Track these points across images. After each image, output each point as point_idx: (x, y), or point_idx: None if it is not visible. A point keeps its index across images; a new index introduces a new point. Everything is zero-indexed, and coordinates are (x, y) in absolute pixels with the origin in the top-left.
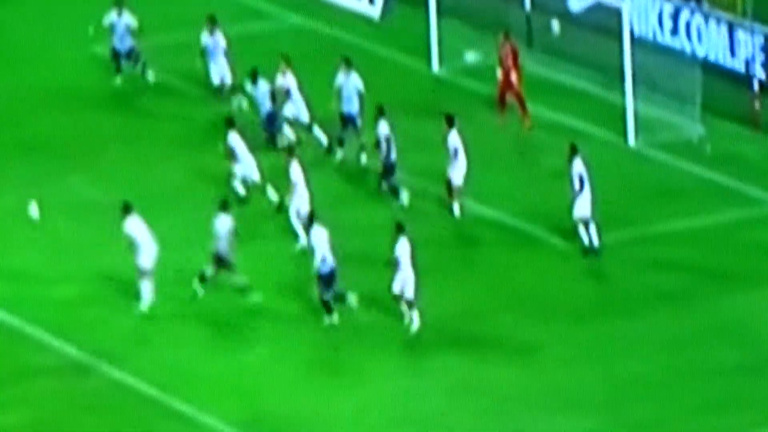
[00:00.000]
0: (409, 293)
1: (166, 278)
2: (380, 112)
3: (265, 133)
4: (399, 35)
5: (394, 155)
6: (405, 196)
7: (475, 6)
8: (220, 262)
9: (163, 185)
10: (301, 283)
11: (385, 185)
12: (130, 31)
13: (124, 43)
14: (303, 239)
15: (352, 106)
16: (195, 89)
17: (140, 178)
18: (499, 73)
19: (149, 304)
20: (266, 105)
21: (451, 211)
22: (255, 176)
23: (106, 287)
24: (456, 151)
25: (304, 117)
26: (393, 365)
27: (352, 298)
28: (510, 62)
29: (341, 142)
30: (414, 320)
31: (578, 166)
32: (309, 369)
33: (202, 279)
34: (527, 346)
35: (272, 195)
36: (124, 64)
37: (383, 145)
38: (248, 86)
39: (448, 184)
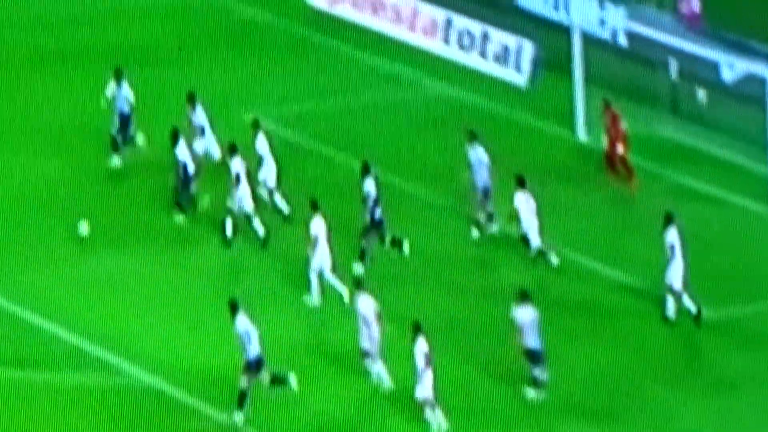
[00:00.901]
0: (428, 393)
1: (316, 347)
2: (366, 170)
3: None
4: (545, 102)
5: (378, 214)
6: (360, 268)
7: (620, 74)
8: (533, 356)
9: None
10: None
11: (364, 242)
12: (128, 102)
13: (125, 112)
14: (315, 297)
15: (480, 177)
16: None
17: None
18: (605, 141)
19: (389, 385)
20: (188, 166)
21: (542, 256)
22: (248, 207)
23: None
24: (518, 211)
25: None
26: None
27: (293, 380)
28: (613, 132)
29: (491, 217)
30: (441, 424)
31: (671, 236)
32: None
33: (535, 383)
34: (663, 416)
35: (259, 228)
36: (121, 142)
37: (369, 203)
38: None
39: (525, 241)
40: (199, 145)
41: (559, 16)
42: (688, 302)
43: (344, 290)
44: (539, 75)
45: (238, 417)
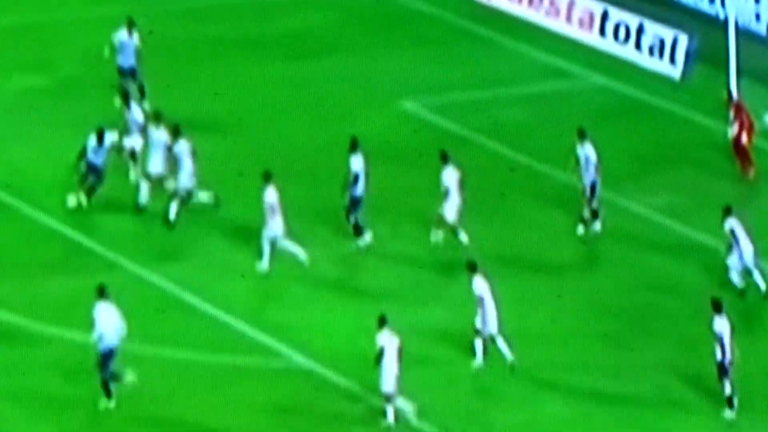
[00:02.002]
0: (389, 388)
1: (467, 331)
2: (353, 147)
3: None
4: (699, 96)
5: (360, 191)
6: (368, 236)
7: None
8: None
9: (479, 241)
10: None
11: (352, 219)
12: (136, 51)
13: (128, 61)
14: (266, 263)
15: (588, 175)
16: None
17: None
18: (732, 132)
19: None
20: (99, 157)
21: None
22: (190, 184)
23: (410, 341)
24: (448, 189)
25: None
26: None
27: (129, 376)
28: (738, 122)
29: (595, 214)
30: (389, 416)
31: (729, 224)
32: (614, 425)
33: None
34: None
35: (204, 197)
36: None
37: (351, 180)
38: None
39: (440, 218)
40: (130, 142)
41: (714, 10)
42: (758, 279)
43: (302, 253)
44: (693, 68)
45: (107, 403)
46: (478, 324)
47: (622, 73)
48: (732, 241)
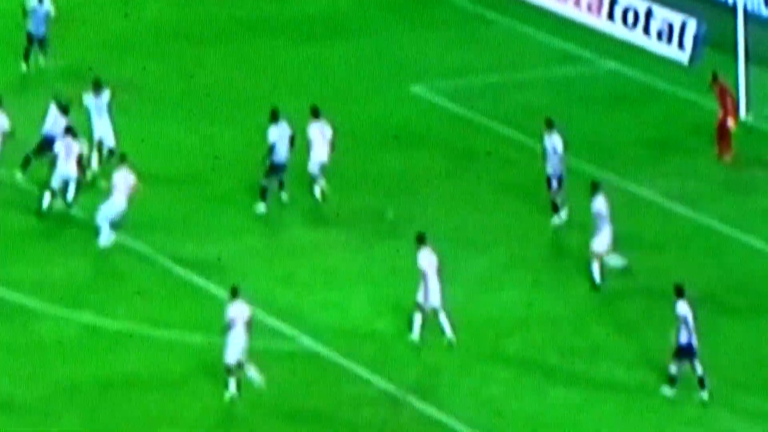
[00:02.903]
0: (232, 359)
1: (477, 315)
2: (274, 117)
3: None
4: (707, 80)
5: (279, 159)
6: (262, 207)
7: None
8: (684, 353)
9: (490, 225)
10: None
11: (264, 182)
12: (48, 18)
13: (40, 30)
14: (107, 239)
15: (552, 165)
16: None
17: (465, 216)
18: (720, 113)
19: (450, 337)
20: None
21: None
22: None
23: (425, 323)
24: (311, 142)
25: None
26: None
27: None
28: (722, 102)
29: (555, 207)
30: (230, 388)
31: (598, 204)
32: (623, 412)
33: (673, 381)
34: None
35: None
36: (34, 51)
37: (268, 149)
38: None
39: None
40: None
41: None
42: (608, 262)
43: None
44: (702, 53)
45: None
46: (420, 298)
47: (631, 58)
48: (597, 224)
